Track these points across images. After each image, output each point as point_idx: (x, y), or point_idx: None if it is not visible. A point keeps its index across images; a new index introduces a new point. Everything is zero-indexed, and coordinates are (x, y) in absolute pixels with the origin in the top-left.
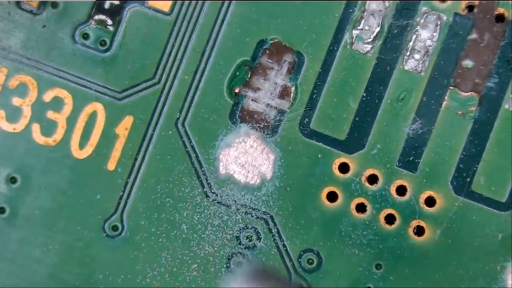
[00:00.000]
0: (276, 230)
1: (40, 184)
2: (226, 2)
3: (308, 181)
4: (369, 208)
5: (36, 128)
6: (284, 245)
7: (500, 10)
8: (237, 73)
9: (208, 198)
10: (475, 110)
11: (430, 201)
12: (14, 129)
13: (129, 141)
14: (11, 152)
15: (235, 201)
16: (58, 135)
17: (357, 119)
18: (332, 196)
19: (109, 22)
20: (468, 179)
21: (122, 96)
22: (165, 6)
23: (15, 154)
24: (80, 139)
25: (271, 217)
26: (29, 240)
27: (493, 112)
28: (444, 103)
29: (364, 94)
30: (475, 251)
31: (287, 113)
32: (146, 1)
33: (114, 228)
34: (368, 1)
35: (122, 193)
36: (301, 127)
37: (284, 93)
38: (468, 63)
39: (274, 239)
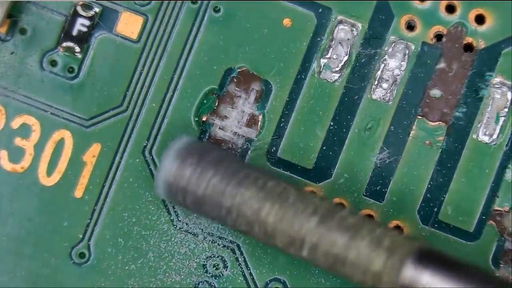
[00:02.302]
0: (243, 258)
1: (7, 211)
2: (194, 30)
3: None
4: None
5: (3, 155)
6: (250, 274)
7: (469, 39)
8: (205, 101)
9: (175, 226)
10: (443, 140)
11: (397, 231)
12: None
13: (96, 168)
14: None
15: (202, 229)
16: (26, 162)
17: (324, 148)
18: None
19: (77, 49)
20: (436, 209)
21: (90, 124)
22: (133, 34)
23: None
24: (48, 166)
25: (238, 245)
26: None
27: (461, 142)
28: (412, 132)
29: (332, 123)
30: None
31: (254, 142)
32: (114, 28)
33: (81, 255)
34: (336, 30)
35: (89, 221)
36: (269, 156)
37: (251, 122)
38: (436, 92)
39: (241, 268)
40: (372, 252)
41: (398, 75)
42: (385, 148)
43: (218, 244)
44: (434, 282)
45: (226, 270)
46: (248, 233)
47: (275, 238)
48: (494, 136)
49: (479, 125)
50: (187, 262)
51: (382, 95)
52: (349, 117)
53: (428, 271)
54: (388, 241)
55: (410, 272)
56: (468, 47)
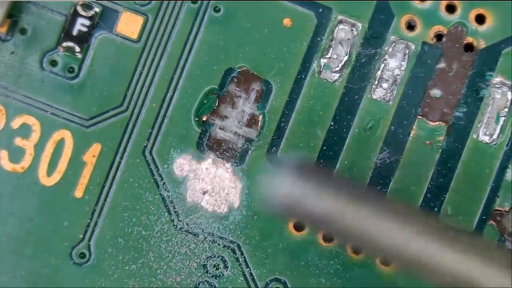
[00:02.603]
0: (243, 259)
1: (7, 211)
2: (194, 30)
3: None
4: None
5: (4, 155)
6: (251, 274)
7: (469, 39)
8: (205, 101)
9: (175, 227)
10: (443, 140)
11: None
12: None
13: (96, 168)
14: None
15: (202, 229)
16: (26, 162)
17: (324, 148)
18: (299, 226)
19: (77, 49)
20: (436, 209)
21: (90, 124)
22: (133, 34)
23: None
24: (48, 166)
25: (238, 246)
26: None
27: (461, 141)
28: (412, 132)
29: (332, 123)
30: None
31: (254, 142)
32: (114, 28)
33: (82, 255)
34: (336, 30)
35: (89, 221)
36: (269, 156)
37: (251, 122)
38: (436, 92)
39: (241, 268)
40: None
41: (398, 75)
42: (385, 148)
43: (219, 244)
44: None
45: (226, 270)
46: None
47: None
48: (495, 136)
49: (479, 125)
50: (188, 262)
51: (382, 95)
52: (349, 117)
53: None
54: None
55: None
56: (469, 47)
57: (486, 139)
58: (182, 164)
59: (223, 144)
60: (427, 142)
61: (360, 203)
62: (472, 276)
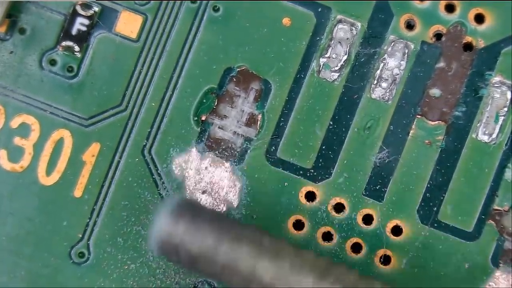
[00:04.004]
0: None
1: (6, 211)
2: (194, 30)
3: (275, 210)
4: (335, 236)
5: (3, 154)
6: None
7: (468, 38)
8: (204, 101)
9: None
10: (442, 139)
11: (397, 230)
12: None
13: (96, 168)
14: None
15: None
16: (25, 161)
17: (323, 147)
18: (298, 225)
19: (77, 48)
20: (435, 208)
21: (89, 123)
22: (133, 33)
23: None
24: (47, 166)
25: None
26: None
27: (460, 141)
28: (411, 132)
29: (331, 123)
30: (441, 281)
31: (253, 141)
32: (113, 28)
33: (81, 255)
34: (335, 29)
35: (88, 220)
36: (268, 155)
37: (251, 121)
38: (435, 91)
39: None
40: None
41: (398, 74)
42: (384, 148)
43: None
44: None
45: None
46: None
47: None
48: (494, 136)
49: (478, 124)
50: None
51: (382, 95)
52: (348, 116)
53: None
54: None
55: None
56: (468, 47)
57: (485, 138)
58: (181, 164)
59: (222, 143)
60: (426, 141)
61: (235, 241)
62: None
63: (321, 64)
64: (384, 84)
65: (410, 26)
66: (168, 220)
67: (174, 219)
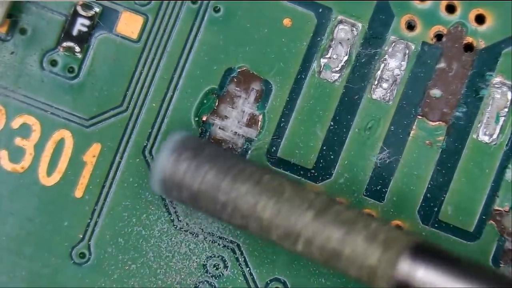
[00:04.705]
0: (243, 258)
1: (7, 211)
2: (194, 30)
3: None
4: None
5: (4, 154)
6: (251, 274)
7: (469, 39)
8: (205, 101)
9: (175, 227)
10: (443, 140)
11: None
12: None
13: (96, 168)
14: None
15: (202, 229)
16: (26, 162)
17: (324, 148)
18: None
19: (77, 49)
20: (436, 209)
21: (90, 124)
22: (133, 34)
23: None
24: (48, 166)
25: (238, 245)
26: None
27: (461, 141)
28: (412, 132)
29: (332, 123)
30: None
31: (254, 142)
32: (114, 28)
33: (82, 255)
34: (336, 30)
35: (89, 221)
36: (269, 156)
37: (251, 122)
38: (436, 92)
39: (241, 268)
40: (367, 247)
41: (398, 75)
42: (385, 148)
43: (219, 244)
44: (429, 277)
45: (226, 270)
46: (243, 228)
47: (270, 233)
48: (494, 136)
49: (479, 125)
50: (187, 262)
51: (382, 95)
52: (349, 117)
53: (424, 266)
54: (384, 235)
55: (406, 266)
56: (468, 47)
57: (486, 139)
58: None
59: (223, 144)
60: (427, 142)
61: (235, 178)
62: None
63: (322, 64)
64: (384, 85)
65: (410, 26)
66: (170, 156)
67: (176, 155)
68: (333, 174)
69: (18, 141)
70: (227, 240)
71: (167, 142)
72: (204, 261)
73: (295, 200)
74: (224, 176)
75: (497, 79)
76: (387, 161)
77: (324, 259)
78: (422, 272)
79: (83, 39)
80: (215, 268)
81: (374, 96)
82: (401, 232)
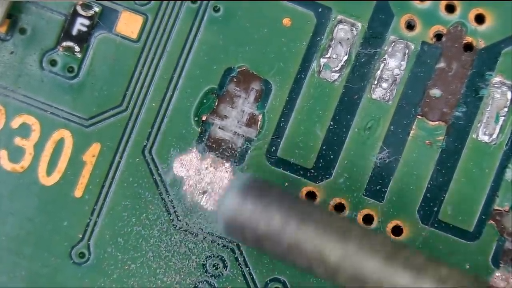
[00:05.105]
0: (242, 258)
1: (7, 211)
2: (194, 30)
3: None
4: None
5: (3, 154)
6: (250, 274)
7: (468, 39)
8: (205, 101)
9: (174, 226)
10: (443, 139)
11: (397, 230)
12: None
13: (96, 168)
14: None
15: (201, 229)
16: (26, 161)
17: (324, 147)
18: None
19: (77, 48)
20: (435, 209)
21: (90, 123)
22: (133, 33)
23: None
24: (48, 166)
25: (238, 245)
26: None
27: (461, 141)
28: (412, 132)
29: (332, 123)
30: None
31: (254, 141)
32: (113, 28)
33: (81, 255)
34: (336, 30)
35: (89, 220)
36: (268, 155)
37: (251, 121)
38: (436, 92)
39: (241, 268)
40: None
41: (398, 74)
42: (385, 148)
43: (218, 243)
44: None
45: (225, 270)
46: (309, 270)
47: (337, 276)
48: (494, 136)
49: (479, 124)
50: (187, 262)
51: (382, 95)
52: (349, 116)
53: None
54: (453, 282)
55: None
56: (468, 47)
57: (486, 138)
58: (182, 164)
59: (222, 143)
60: (427, 141)
61: (302, 221)
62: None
63: (322, 64)
64: (384, 85)
65: (410, 26)
66: (235, 198)
67: (242, 197)
68: (333, 174)
69: (17, 140)
70: (226, 240)
71: (233, 183)
72: (204, 261)
73: (364, 243)
74: (290, 218)
75: (496, 79)
76: (386, 161)
77: None
78: None
79: (83, 39)
80: (214, 267)
81: (373, 96)
82: (471, 278)
